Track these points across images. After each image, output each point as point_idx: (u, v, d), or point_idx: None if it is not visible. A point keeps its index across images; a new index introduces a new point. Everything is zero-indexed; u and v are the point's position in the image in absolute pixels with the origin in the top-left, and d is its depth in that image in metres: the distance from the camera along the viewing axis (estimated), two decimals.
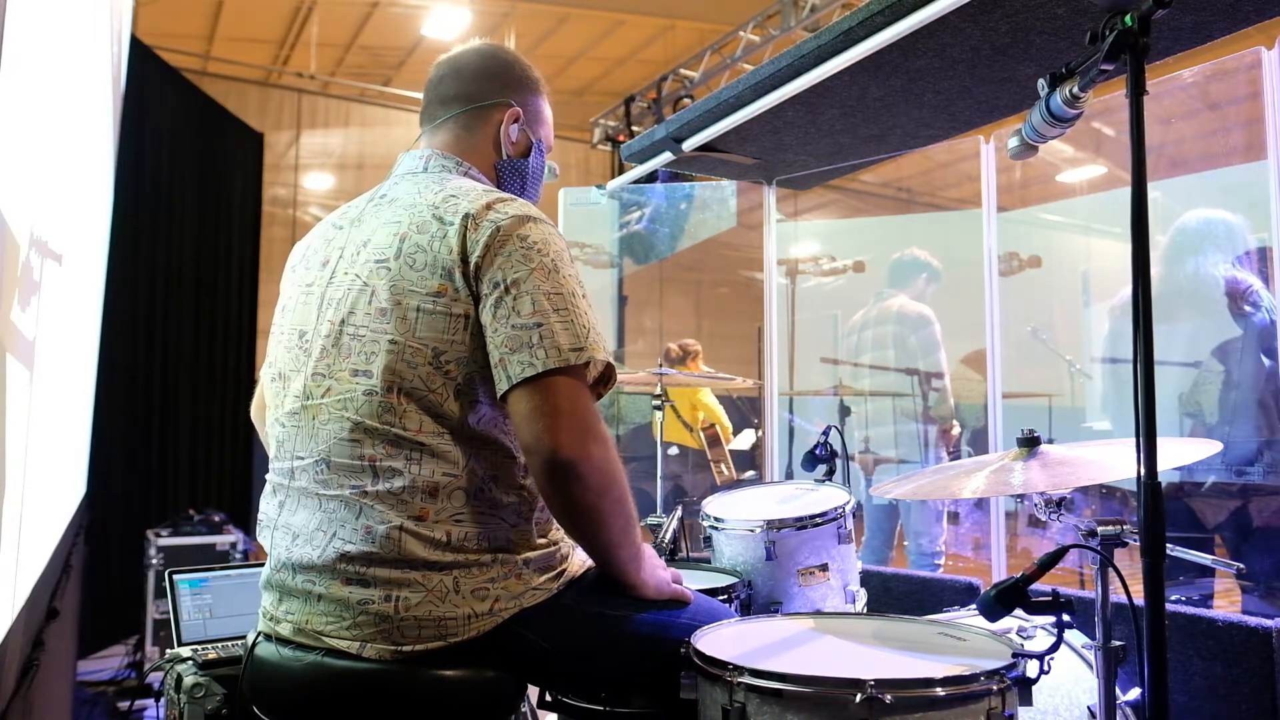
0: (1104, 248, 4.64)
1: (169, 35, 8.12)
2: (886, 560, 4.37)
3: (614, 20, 9.07)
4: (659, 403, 2.96)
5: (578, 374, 1.32)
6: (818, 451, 2.29)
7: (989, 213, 3.48)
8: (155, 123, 5.64)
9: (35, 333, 1.78)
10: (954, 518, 4.39)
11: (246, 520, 5.41)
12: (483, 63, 1.59)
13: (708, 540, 2.11)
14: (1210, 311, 2.97)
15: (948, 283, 4.44)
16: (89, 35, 2.56)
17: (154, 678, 3.77)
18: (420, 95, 1.63)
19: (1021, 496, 2.36)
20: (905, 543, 4.36)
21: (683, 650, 1.35)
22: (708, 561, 2.09)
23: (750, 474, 5.53)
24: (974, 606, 1.57)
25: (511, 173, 1.59)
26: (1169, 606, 1.61)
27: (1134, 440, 1.17)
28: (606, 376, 1.40)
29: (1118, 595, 1.42)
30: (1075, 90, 1.30)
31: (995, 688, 1.21)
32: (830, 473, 2.28)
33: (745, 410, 6.49)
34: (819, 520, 1.98)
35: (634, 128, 8.37)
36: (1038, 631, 1.72)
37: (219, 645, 1.82)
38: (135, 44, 5.28)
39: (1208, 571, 2.92)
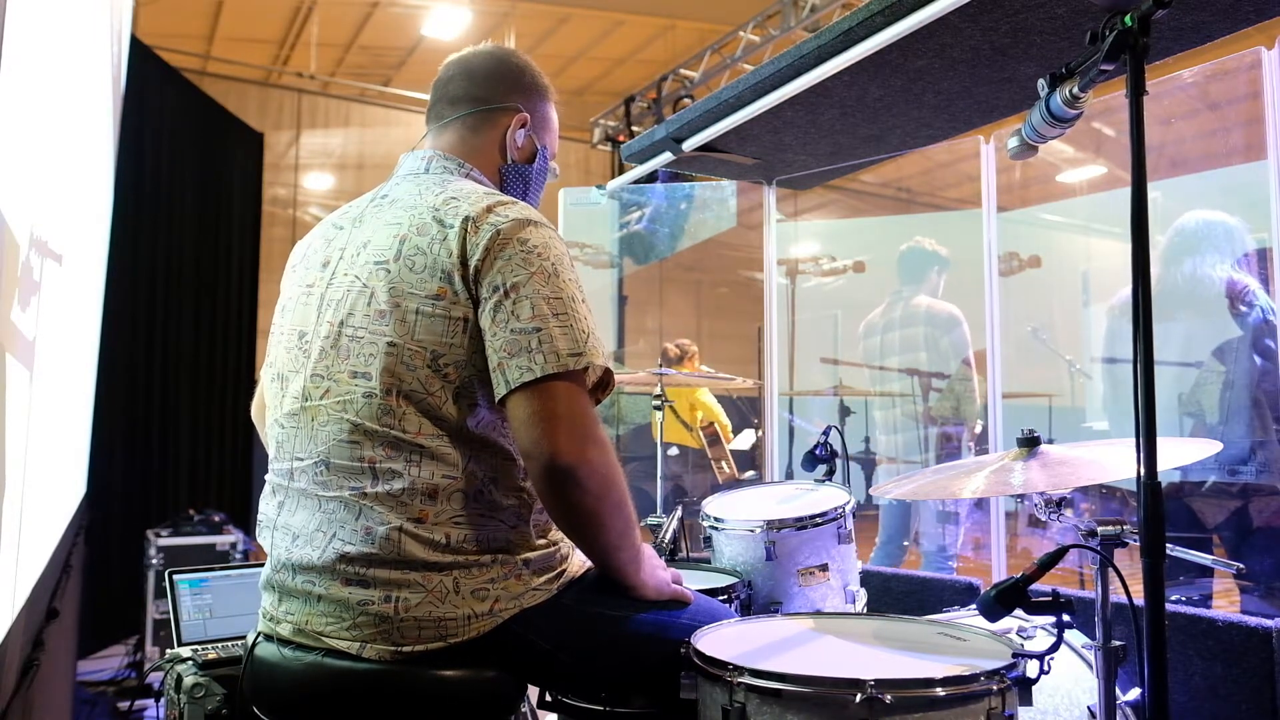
0: (1104, 248, 4.64)
1: (169, 35, 8.13)
2: (900, 561, 4.35)
3: (614, 20, 9.07)
4: (659, 403, 2.96)
5: (576, 379, 1.32)
6: (818, 451, 2.29)
7: (989, 213, 3.48)
8: (155, 123, 5.64)
9: (35, 333, 1.78)
10: (954, 518, 4.39)
11: (246, 520, 5.41)
12: (494, 66, 1.59)
13: (708, 540, 2.11)
14: (1206, 312, 2.97)
15: (948, 282, 4.43)
16: (89, 35, 2.56)
17: (154, 678, 3.77)
18: (420, 95, 1.64)
19: (1021, 496, 2.36)
20: (907, 543, 4.36)
21: (683, 650, 1.35)
22: (708, 561, 2.09)
23: (750, 474, 5.53)
24: (974, 606, 1.57)
25: (515, 177, 1.59)
26: (1169, 606, 1.61)
27: (1134, 440, 1.16)
28: (605, 382, 1.40)
29: (1118, 595, 1.42)
30: (1075, 90, 1.30)
31: (995, 688, 1.21)
32: (830, 473, 2.28)
33: (745, 410, 6.49)
34: (819, 520, 1.98)
35: (634, 128, 8.37)
36: (1038, 631, 1.72)
37: (219, 645, 1.82)
38: (135, 44, 5.28)
39: (1207, 571, 2.92)
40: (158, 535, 4.36)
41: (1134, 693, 1.64)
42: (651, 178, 3.88)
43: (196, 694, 1.63)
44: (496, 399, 1.32)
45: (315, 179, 10.60)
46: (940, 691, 1.19)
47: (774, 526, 1.97)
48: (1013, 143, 1.43)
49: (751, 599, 1.97)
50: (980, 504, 4.02)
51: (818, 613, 1.87)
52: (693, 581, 1.62)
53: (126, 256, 5.15)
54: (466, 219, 1.35)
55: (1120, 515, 2.06)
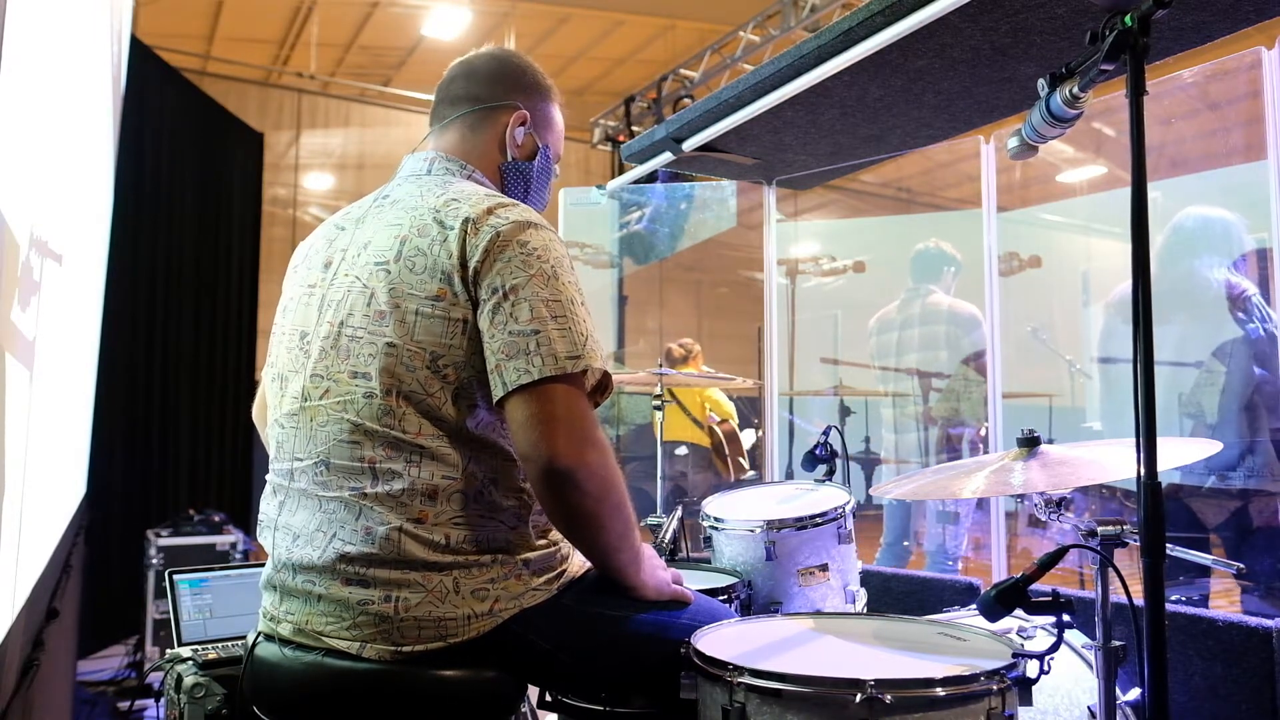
0: (1104, 248, 4.64)
1: (169, 35, 8.13)
2: (906, 562, 4.34)
3: (614, 20, 9.07)
4: (659, 403, 2.96)
5: (575, 382, 1.32)
6: (818, 451, 2.29)
7: (989, 213, 3.48)
8: (155, 123, 5.64)
9: (35, 333, 1.78)
10: (952, 517, 4.39)
11: (246, 520, 5.42)
12: (494, 66, 1.59)
13: (708, 540, 2.12)
14: (1203, 313, 2.97)
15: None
16: (89, 35, 2.56)
17: (154, 678, 3.77)
18: (420, 95, 1.65)
19: (1021, 496, 2.36)
20: (907, 543, 4.36)
21: (683, 650, 1.35)
22: (708, 561, 2.09)
23: (750, 474, 5.53)
24: (974, 606, 1.57)
25: (516, 176, 1.58)
26: (1169, 606, 1.61)
27: (1133, 440, 1.16)
28: (604, 385, 1.39)
29: (1118, 595, 1.42)
30: (1075, 90, 1.30)
31: (995, 688, 1.21)
32: (830, 473, 2.28)
33: (745, 410, 6.49)
34: (819, 520, 1.98)
35: (634, 128, 8.37)
36: (1038, 631, 1.72)
37: (219, 645, 1.82)
38: (135, 44, 5.28)
39: (1207, 571, 2.92)
40: (158, 535, 4.37)
41: (1134, 693, 1.64)
42: (651, 178, 3.88)
43: (196, 694, 1.63)
44: (494, 401, 1.32)
45: (315, 179, 10.60)
46: (940, 691, 1.19)
47: (774, 526, 1.97)
48: (1013, 143, 1.43)
49: (751, 599, 1.97)
50: (980, 504, 4.02)
51: (818, 613, 1.87)
52: (693, 581, 1.62)
53: (126, 256, 5.15)
54: (467, 220, 1.35)
55: (1120, 515, 2.06)
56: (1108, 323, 3.37)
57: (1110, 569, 1.42)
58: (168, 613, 1.94)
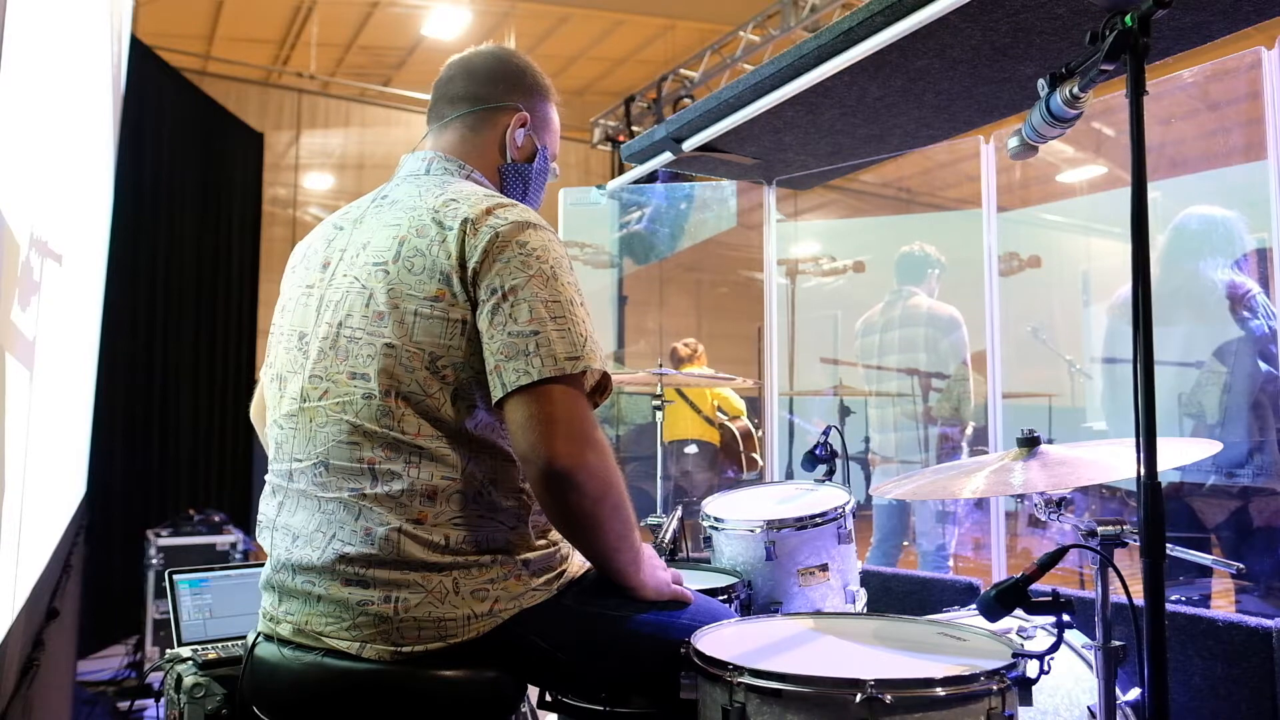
0: (1104, 248, 4.64)
1: (169, 35, 8.13)
2: (896, 560, 4.35)
3: (614, 20, 9.07)
4: (659, 403, 2.96)
5: (574, 383, 1.31)
6: (818, 451, 2.29)
7: (989, 213, 3.48)
8: (155, 123, 5.64)
9: (35, 333, 1.78)
10: (951, 518, 4.39)
11: (246, 520, 5.41)
12: (494, 65, 1.59)
13: (708, 540, 2.11)
14: (1206, 313, 2.97)
15: (948, 283, 4.43)
16: (89, 35, 2.56)
17: (154, 678, 3.77)
18: (420, 95, 1.64)
19: (1021, 496, 2.36)
20: (916, 542, 4.36)
21: (683, 650, 1.35)
22: (708, 561, 2.09)
23: (755, 471, 5.53)
24: (974, 606, 1.57)
25: (514, 177, 1.58)
26: (1169, 606, 1.61)
27: (1134, 440, 1.16)
28: (603, 385, 1.39)
29: (1118, 595, 1.42)
30: (1075, 90, 1.29)
31: (995, 688, 1.21)
32: (830, 473, 2.28)
33: (746, 410, 6.49)
34: (819, 520, 1.98)
35: (634, 128, 8.37)
36: (1038, 631, 1.72)
37: (219, 645, 1.82)
38: (135, 44, 5.27)
39: (1207, 571, 2.92)
40: (158, 535, 4.37)
41: (1134, 693, 1.64)
42: (651, 178, 3.88)
43: (196, 694, 1.63)
44: (494, 402, 1.32)
45: (315, 179, 10.59)
46: (940, 691, 1.19)
47: (774, 526, 1.97)
48: (1013, 143, 1.43)
49: (751, 599, 1.97)
50: (980, 504, 4.02)
51: (818, 613, 1.87)
52: (693, 581, 1.62)
53: (126, 256, 5.15)
54: (465, 221, 1.35)
55: (1120, 515, 2.06)
56: (1111, 324, 3.37)
57: (1110, 569, 1.42)
58: (168, 613, 1.94)
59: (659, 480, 2.96)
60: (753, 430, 5.45)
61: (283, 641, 1.38)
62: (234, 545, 4.46)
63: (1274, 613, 2.65)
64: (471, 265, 1.33)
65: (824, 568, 1.98)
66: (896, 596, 2.94)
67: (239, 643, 1.74)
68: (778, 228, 3.88)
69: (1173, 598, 2.84)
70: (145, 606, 4.26)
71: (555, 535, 1.42)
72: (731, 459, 5.39)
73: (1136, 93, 1.17)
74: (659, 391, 2.96)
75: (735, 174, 3.73)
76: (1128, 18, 1.17)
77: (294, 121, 10.13)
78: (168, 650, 1.80)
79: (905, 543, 4.39)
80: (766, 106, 2.79)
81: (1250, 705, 2.03)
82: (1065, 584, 3.13)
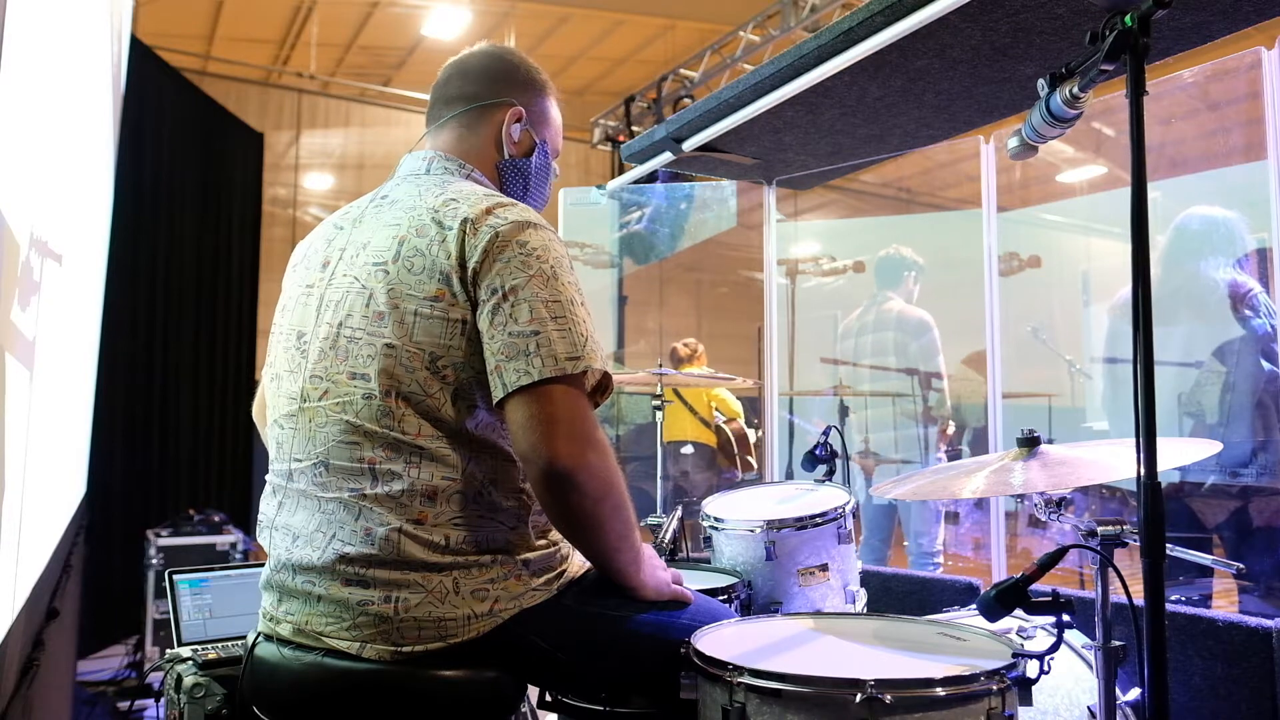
0: (1104, 248, 4.64)
1: (169, 35, 8.12)
2: (885, 560, 4.37)
3: (614, 20, 9.06)
4: (659, 403, 2.96)
5: (575, 383, 1.31)
6: (818, 451, 2.29)
7: (989, 213, 3.48)
8: (155, 123, 5.64)
9: (35, 333, 1.78)
10: (954, 517, 4.39)
11: (246, 520, 5.41)
12: (488, 63, 1.59)
13: (708, 540, 2.11)
14: (1207, 313, 2.97)
15: (948, 283, 4.44)
16: (89, 35, 2.56)
17: (154, 678, 3.77)
18: (420, 95, 1.64)
19: (1021, 496, 2.36)
20: (905, 542, 4.36)
21: (683, 650, 1.35)
22: (708, 561, 2.09)
23: (750, 474, 5.53)
24: (974, 606, 1.57)
25: (513, 173, 1.58)
26: (1169, 606, 1.61)
27: (1134, 440, 1.16)
28: (604, 385, 1.38)
29: (1118, 595, 1.42)
30: (1075, 90, 1.29)
31: (995, 688, 1.21)
32: (830, 473, 2.28)
33: (745, 410, 6.49)
34: (819, 520, 1.98)
35: (634, 128, 8.37)
36: (1038, 631, 1.72)
37: (219, 645, 1.82)
38: (135, 44, 5.27)
39: (1207, 571, 2.92)
40: (158, 535, 4.37)
41: (1134, 693, 1.64)
42: (651, 178, 3.88)
43: (196, 694, 1.63)
44: (494, 402, 1.31)
45: (315, 179, 10.59)
46: (940, 691, 1.19)
47: (774, 526, 1.97)
48: (1013, 143, 1.43)
49: (751, 599, 1.97)
50: (980, 504, 4.02)
51: (818, 613, 1.87)
52: (693, 581, 1.62)
53: (126, 256, 5.15)
54: (465, 220, 1.35)
55: (1120, 515, 2.06)
56: (1112, 325, 3.37)
57: (1110, 569, 1.42)
58: (168, 613, 1.94)
59: (659, 480, 2.96)
60: (748, 433, 5.44)
61: (283, 641, 1.38)
62: (234, 545, 4.46)
63: (1274, 613, 2.65)
64: (471, 265, 1.33)
65: (824, 568, 1.98)
66: (896, 596, 2.94)
67: (239, 643, 1.74)
68: (778, 228, 3.88)
69: (1173, 598, 2.84)
70: (145, 606, 4.26)
71: (555, 535, 1.42)
72: (728, 461, 5.39)
73: (1136, 93, 1.17)
74: (659, 391, 2.96)
75: (735, 174, 3.73)
76: (1128, 18, 1.17)
77: (294, 121, 10.13)
78: (168, 650, 1.80)
79: (906, 543, 4.38)
80: (766, 106, 2.79)
81: (1250, 705, 2.03)
82: (1065, 584, 3.13)
